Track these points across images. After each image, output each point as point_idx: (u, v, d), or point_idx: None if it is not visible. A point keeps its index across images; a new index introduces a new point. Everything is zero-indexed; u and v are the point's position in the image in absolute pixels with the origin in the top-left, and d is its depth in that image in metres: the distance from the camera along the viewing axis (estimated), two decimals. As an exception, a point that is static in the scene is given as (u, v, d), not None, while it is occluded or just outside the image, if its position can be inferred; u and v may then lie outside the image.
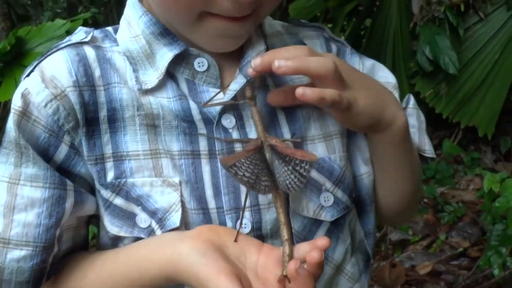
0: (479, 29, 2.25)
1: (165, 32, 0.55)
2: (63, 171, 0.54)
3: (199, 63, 0.55)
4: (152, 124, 0.54)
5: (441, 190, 2.38)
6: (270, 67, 0.50)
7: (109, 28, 0.60)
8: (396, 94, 0.64)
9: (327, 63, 0.52)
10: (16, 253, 0.53)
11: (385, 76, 0.66)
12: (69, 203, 0.54)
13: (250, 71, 0.52)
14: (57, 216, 0.53)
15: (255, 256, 0.50)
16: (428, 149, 0.67)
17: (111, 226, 0.55)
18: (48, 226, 0.53)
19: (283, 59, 0.50)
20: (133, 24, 0.57)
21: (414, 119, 0.66)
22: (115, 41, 0.57)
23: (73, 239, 0.59)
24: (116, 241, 0.56)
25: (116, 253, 0.56)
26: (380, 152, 0.62)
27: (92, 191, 0.56)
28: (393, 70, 2.39)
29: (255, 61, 0.51)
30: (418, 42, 2.24)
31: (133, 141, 0.54)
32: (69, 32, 2.49)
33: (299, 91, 0.50)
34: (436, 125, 2.70)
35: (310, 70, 0.52)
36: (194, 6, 0.50)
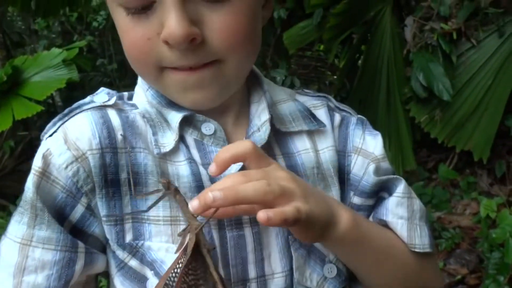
0: (471, 55, 2.28)
1: (171, 102, 0.57)
2: (77, 231, 0.55)
3: (206, 128, 0.57)
4: None
5: (438, 215, 2.36)
6: (209, 203, 0.46)
7: (125, 94, 0.62)
8: (371, 167, 0.61)
9: (262, 186, 0.47)
10: None
11: (373, 146, 0.63)
12: (79, 265, 0.54)
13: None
14: (66, 278, 0.53)
15: None
16: (418, 243, 0.59)
17: (122, 287, 0.55)
18: None
19: (219, 189, 0.46)
20: (141, 94, 0.60)
21: (405, 209, 0.60)
22: (132, 105, 0.59)
23: None
24: None
25: None
26: (338, 254, 0.58)
27: (104, 249, 0.57)
28: (388, 95, 2.42)
29: (193, 204, 0.47)
30: (412, 68, 2.27)
31: (155, 206, 0.54)
32: (65, 61, 2.51)
33: (263, 217, 0.45)
34: (431, 148, 2.71)
35: (247, 199, 0.47)
36: (149, 62, 0.52)
